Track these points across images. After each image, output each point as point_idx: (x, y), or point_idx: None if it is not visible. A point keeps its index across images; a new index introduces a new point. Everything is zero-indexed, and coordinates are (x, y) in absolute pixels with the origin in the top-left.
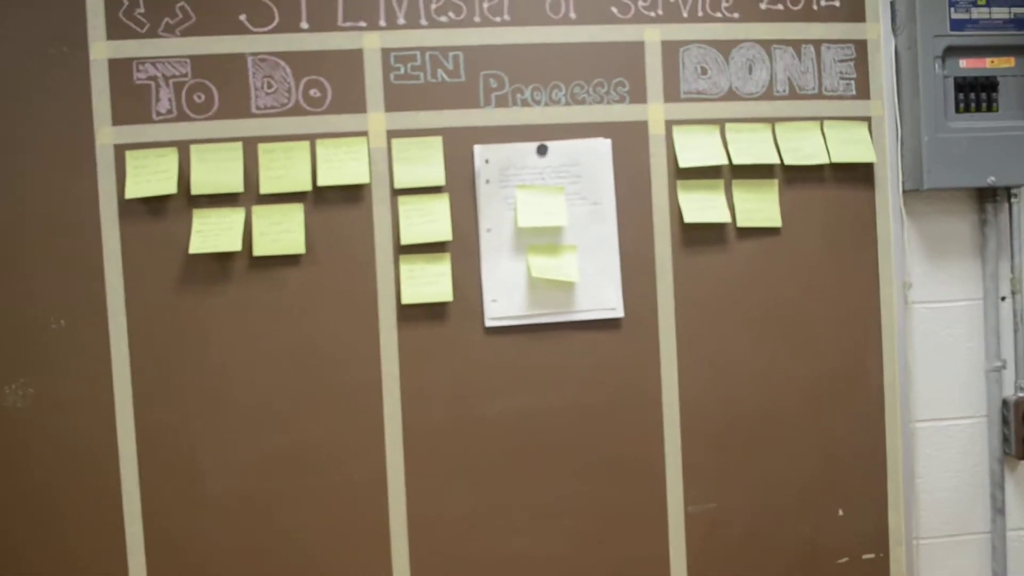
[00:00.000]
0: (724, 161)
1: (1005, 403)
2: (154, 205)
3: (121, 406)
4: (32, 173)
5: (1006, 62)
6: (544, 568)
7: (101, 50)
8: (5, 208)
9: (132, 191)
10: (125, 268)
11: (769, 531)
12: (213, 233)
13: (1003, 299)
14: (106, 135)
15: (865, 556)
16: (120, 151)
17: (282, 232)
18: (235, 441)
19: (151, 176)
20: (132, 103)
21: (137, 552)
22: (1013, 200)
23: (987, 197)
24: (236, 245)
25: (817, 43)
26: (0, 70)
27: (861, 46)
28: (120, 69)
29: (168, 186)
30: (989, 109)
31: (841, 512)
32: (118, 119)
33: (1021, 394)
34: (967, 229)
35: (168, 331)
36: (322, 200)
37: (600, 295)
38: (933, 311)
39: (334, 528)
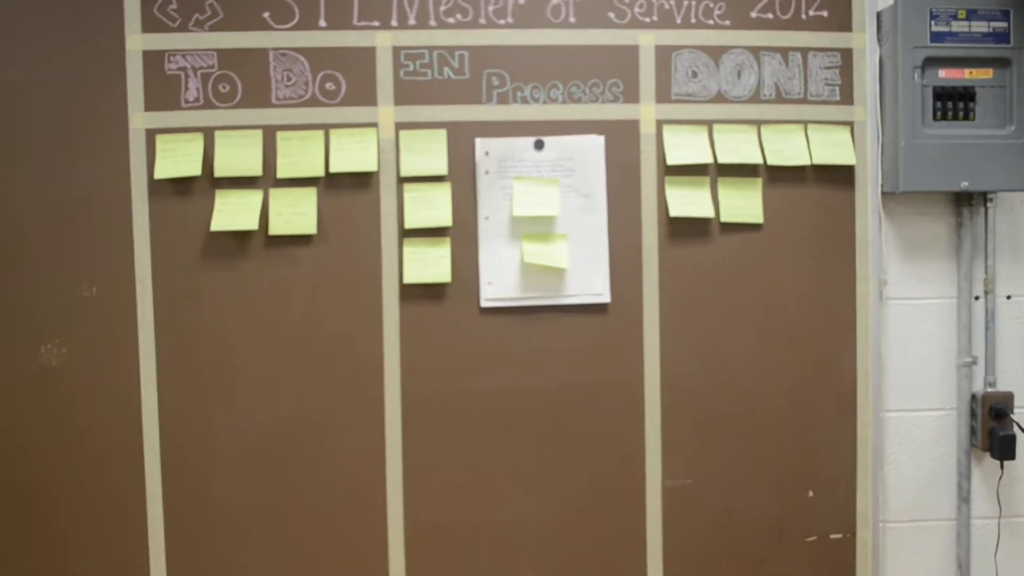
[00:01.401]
0: (710, 160)
1: (974, 397)
2: (180, 186)
3: (145, 368)
4: (71, 153)
5: (984, 73)
6: (530, 534)
7: (136, 42)
8: (45, 185)
9: (161, 172)
10: (152, 242)
11: (742, 508)
12: (233, 213)
13: (976, 298)
14: (139, 120)
15: (833, 536)
16: (151, 135)
17: (296, 214)
18: (248, 406)
19: (179, 159)
20: (163, 91)
21: (155, 501)
22: (989, 205)
23: (963, 201)
24: (253, 224)
25: (804, 50)
26: (44, 59)
27: (847, 54)
28: (153, 60)
29: (194, 168)
30: (967, 118)
31: (811, 493)
32: (150, 106)
33: (990, 389)
34: (943, 231)
35: (189, 301)
36: (333, 185)
37: (588, 281)
38: (908, 307)
39: (335, 490)
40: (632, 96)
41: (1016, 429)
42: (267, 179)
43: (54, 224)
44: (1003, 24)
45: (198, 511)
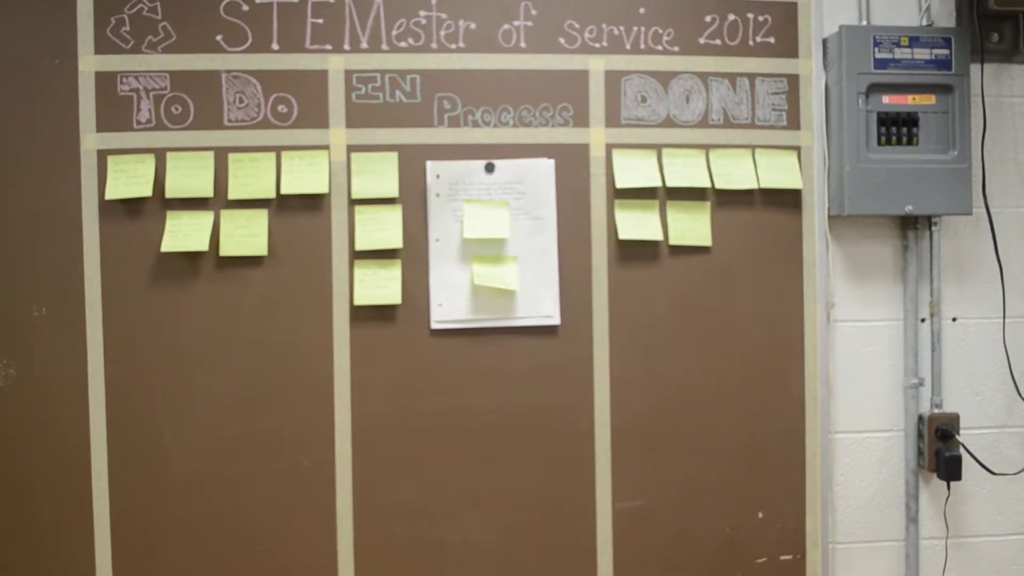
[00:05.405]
0: (659, 183)
1: (921, 418)
2: (131, 206)
3: (94, 389)
4: (22, 173)
5: (927, 99)
6: (479, 555)
7: (89, 63)
8: None
9: (112, 193)
10: (103, 263)
11: (692, 529)
12: (184, 233)
13: (923, 321)
14: (90, 141)
15: (783, 557)
16: (103, 156)
17: (247, 235)
18: (197, 426)
19: (130, 180)
20: (115, 112)
21: (103, 525)
22: (934, 228)
23: (909, 224)
24: (204, 245)
25: (752, 76)
26: None
27: (793, 80)
28: (105, 81)
29: (145, 189)
30: (910, 143)
31: (761, 515)
32: (102, 127)
33: (936, 410)
34: (890, 253)
35: (140, 322)
36: (285, 207)
37: (538, 303)
38: (855, 329)
39: (286, 509)
40: (582, 120)
41: (962, 450)
42: (218, 200)
43: (3, 242)
44: (945, 51)
45: (146, 532)
